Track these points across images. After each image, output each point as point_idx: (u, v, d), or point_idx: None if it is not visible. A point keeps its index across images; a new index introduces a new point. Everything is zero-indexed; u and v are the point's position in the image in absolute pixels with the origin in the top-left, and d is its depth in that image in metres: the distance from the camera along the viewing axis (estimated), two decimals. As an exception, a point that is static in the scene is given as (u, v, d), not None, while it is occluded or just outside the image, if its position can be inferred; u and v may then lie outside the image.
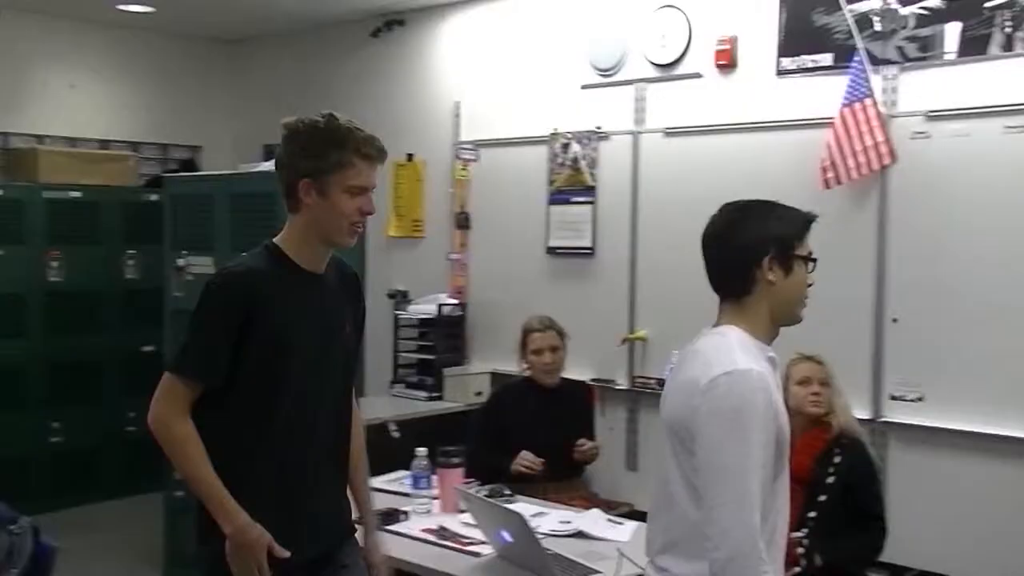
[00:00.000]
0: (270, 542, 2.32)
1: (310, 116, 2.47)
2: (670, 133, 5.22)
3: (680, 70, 5.21)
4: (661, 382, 5.16)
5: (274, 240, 2.49)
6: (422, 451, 3.75)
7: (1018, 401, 4.17)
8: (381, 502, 3.19)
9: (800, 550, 3.48)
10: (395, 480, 3.90)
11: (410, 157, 6.43)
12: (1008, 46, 4.14)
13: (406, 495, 3.69)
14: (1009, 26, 4.10)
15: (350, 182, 2.41)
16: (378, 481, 3.52)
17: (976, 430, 4.25)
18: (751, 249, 2.18)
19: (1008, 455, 4.20)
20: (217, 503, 2.33)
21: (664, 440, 2.20)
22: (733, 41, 4.98)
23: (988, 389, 4.24)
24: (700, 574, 2.03)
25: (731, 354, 2.11)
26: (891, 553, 3.83)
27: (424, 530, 3.36)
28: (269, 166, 3.02)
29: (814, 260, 2.23)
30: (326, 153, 2.40)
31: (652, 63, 5.31)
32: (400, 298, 6.26)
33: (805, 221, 2.23)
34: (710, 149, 5.01)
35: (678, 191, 5.15)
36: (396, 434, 5.16)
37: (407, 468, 3.82)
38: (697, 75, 5.13)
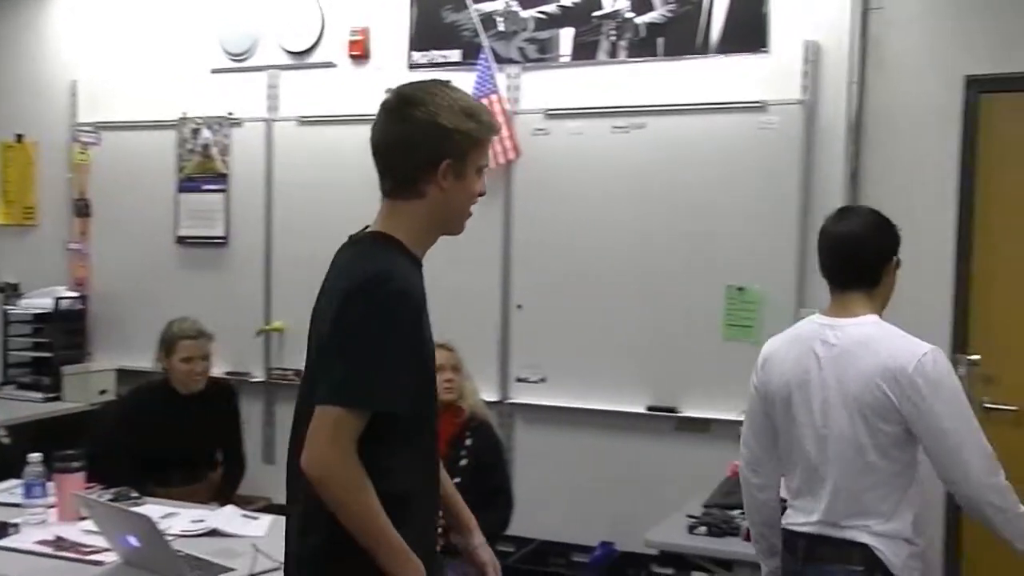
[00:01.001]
0: None
1: (427, 85, 2.06)
2: (304, 122, 5.17)
3: (314, 59, 5.17)
4: (299, 373, 5.08)
5: (385, 232, 2.03)
6: (36, 457, 3.45)
7: (630, 380, 4.55)
8: (-13, 516, 2.89)
9: (439, 531, 3.58)
10: (3, 491, 3.56)
11: (19, 138, 5.88)
12: (613, 53, 4.53)
13: (17, 506, 3.38)
14: (614, 35, 4.49)
15: (481, 160, 2.08)
16: (-17, 493, 3.19)
17: (594, 407, 4.59)
18: (889, 251, 2.66)
19: (622, 429, 4.57)
20: (402, 555, 1.93)
21: (846, 424, 2.51)
22: (366, 32, 5.02)
23: (604, 369, 4.59)
24: (899, 530, 2.51)
25: (907, 337, 2.54)
26: (516, 527, 4.03)
27: (38, 542, 3.09)
28: None
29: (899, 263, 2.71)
30: (467, 129, 2.01)
31: (285, 50, 5.23)
32: (10, 291, 5.70)
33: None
34: (345, 139, 4.99)
35: (313, 180, 5.12)
36: (6, 440, 4.71)
37: (19, 476, 3.49)
38: (331, 64, 5.12)
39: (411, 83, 2.10)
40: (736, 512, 3.14)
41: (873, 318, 2.60)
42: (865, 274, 2.63)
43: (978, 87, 4.03)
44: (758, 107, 4.25)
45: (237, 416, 4.52)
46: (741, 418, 3.64)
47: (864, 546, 2.52)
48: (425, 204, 2.02)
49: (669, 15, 4.41)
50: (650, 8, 4.44)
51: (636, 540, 3.01)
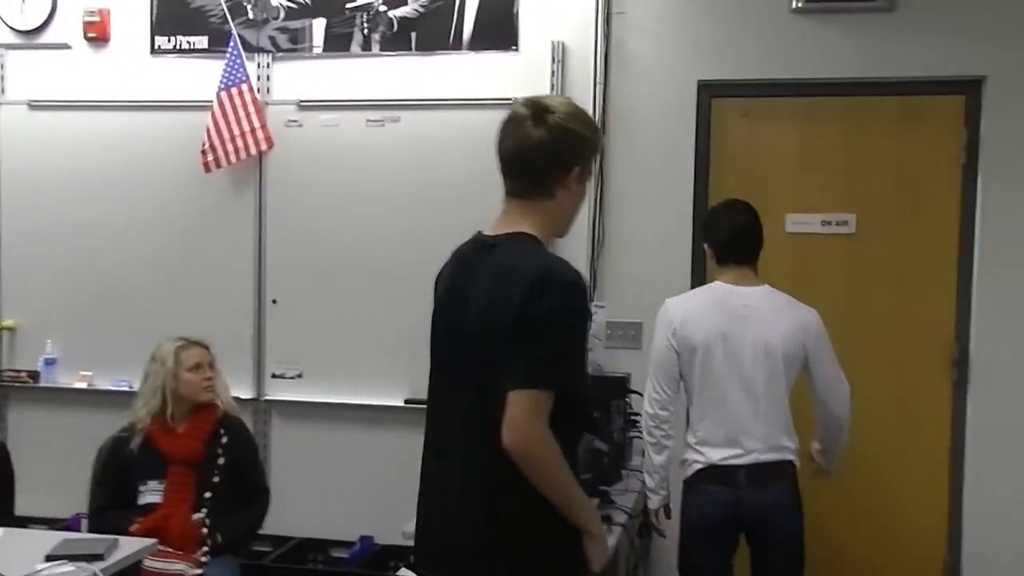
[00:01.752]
0: None
1: (555, 97, 2.27)
2: (35, 106, 4.82)
3: (45, 38, 4.82)
4: (34, 375, 4.78)
5: (524, 231, 2.17)
6: None
7: (388, 373, 4.53)
8: None
9: (204, 531, 3.49)
10: None
11: None
12: (367, 46, 4.50)
13: None
14: (367, 27, 4.45)
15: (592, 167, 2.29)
16: None
17: (352, 402, 4.56)
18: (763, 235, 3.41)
19: (381, 422, 4.56)
20: (591, 510, 2.22)
21: (771, 368, 3.23)
22: (105, 14, 4.74)
23: (362, 363, 4.56)
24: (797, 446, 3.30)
25: (798, 302, 3.36)
26: (274, 525, 3.96)
27: None
28: None
29: None
30: (593, 138, 2.23)
31: (11, 28, 4.84)
32: None
33: None
34: (83, 126, 4.72)
35: (47, 170, 4.78)
36: None
37: None
38: (65, 46, 4.79)
39: (539, 96, 2.33)
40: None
41: (767, 286, 3.36)
42: (757, 252, 3.38)
43: (709, 91, 4.29)
44: (510, 104, 4.19)
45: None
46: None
47: (790, 462, 3.25)
48: (554, 205, 2.19)
49: (421, 10, 4.42)
50: (403, 2, 4.44)
51: (396, 533, 3.02)
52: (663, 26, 4.31)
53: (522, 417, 2.02)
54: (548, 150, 2.15)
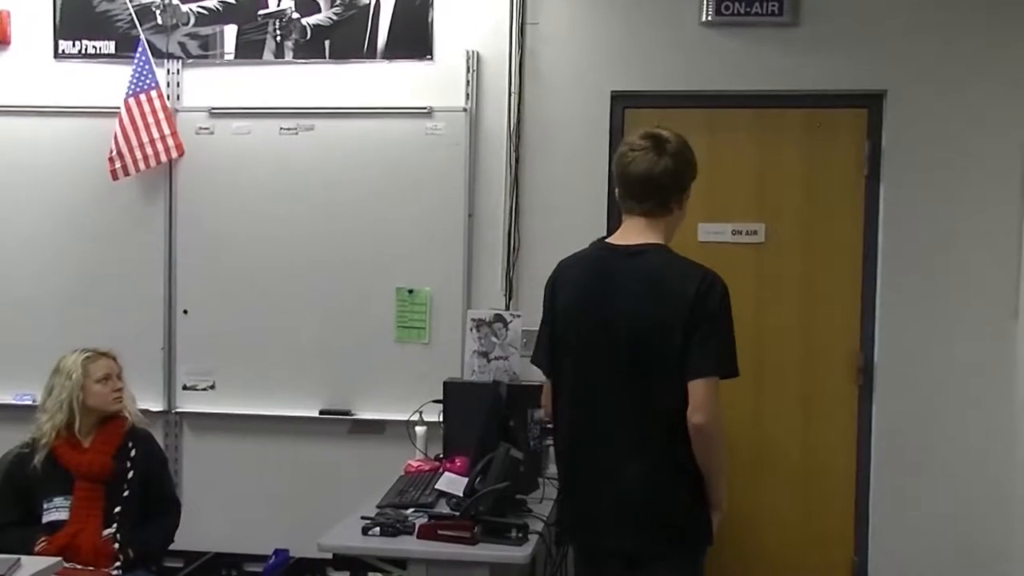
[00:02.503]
0: None
1: (667, 129, 2.64)
2: (-71, 110, 4.64)
3: (-60, 41, 4.64)
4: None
5: (659, 242, 2.57)
6: None
7: (303, 383, 4.48)
8: None
9: (116, 546, 3.39)
10: None
11: None
12: (280, 53, 4.42)
13: None
14: (280, 34, 4.38)
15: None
16: None
17: (266, 413, 4.48)
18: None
19: (296, 433, 4.49)
20: (726, 480, 2.56)
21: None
22: (4, 16, 4.58)
23: (276, 374, 4.49)
24: None
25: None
26: (188, 539, 3.87)
27: None
28: None
29: None
30: (696, 164, 2.64)
31: (-93, 30, 4.65)
32: None
33: None
34: (-17, 131, 4.56)
35: (-56, 177, 4.60)
36: None
37: None
38: (-37, 49, 4.62)
39: (652, 129, 2.64)
40: (409, 511, 3.19)
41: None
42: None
43: (623, 102, 4.32)
44: (425, 113, 4.30)
45: None
46: (415, 418, 3.75)
47: None
48: (672, 219, 2.61)
49: (335, 18, 4.37)
50: (316, 10, 4.39)
51: (311, 545, 2.97)
52: (576, 36, 4.32)
53: (710, 400, 2.43)
54: (671, 176, 2.56)
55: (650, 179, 2.54)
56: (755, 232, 4.25)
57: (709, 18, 4.22)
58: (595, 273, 2.58)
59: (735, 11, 4.19)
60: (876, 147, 4.20)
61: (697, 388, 2.43)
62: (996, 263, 4.08)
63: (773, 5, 4.18)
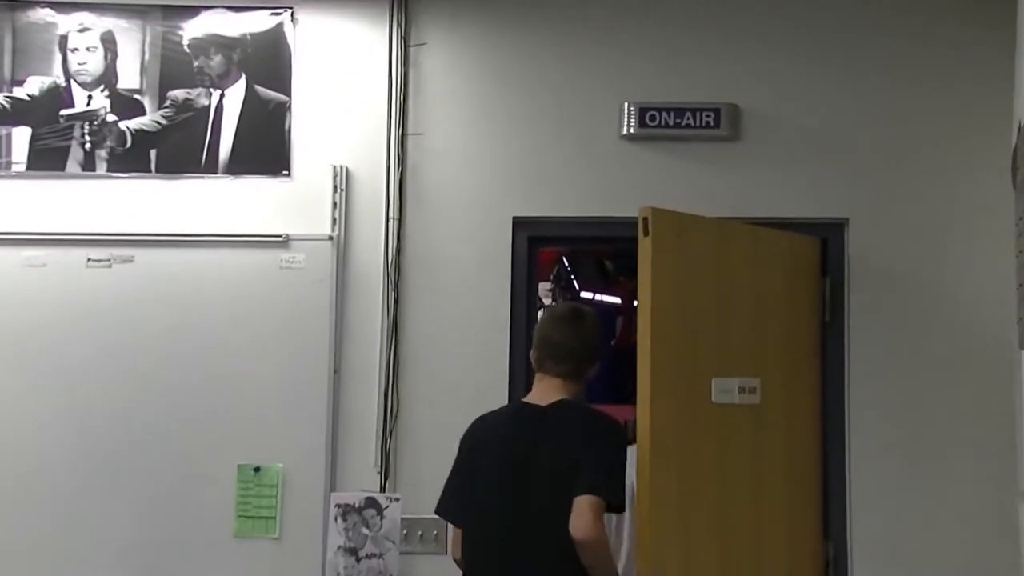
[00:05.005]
0: None
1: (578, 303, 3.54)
2: None
3: None
4: None
5: (568, 399, 2.88)
6: None
7: None
8: None
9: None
10: None
11: None
12: (90, 164, 3.79)
13: None
14: (90, 141, 3.78)
15: None
16: None
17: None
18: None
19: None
20: None
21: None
22: None
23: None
24: None
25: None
26: None
27: None
28: None
29: None
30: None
31: None
32: None
33: None
34: None
35: None
36: None
37: None
38: None
39: (569, 301, 3.14)
40: None
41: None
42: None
43: (528, 230, 3.76)
44: (279, 242, 3.73)
45: None
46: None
47: None
48: (580, 386, 2.93)
49: (164, 122, 3.79)
50: (139, 111, 3.78)
51: None
52: (470, 150, 3.79)
53: (590, 517, 2.63)
54: (588, 347, 2.91)
55: (568, 347, 2.89)
56: (729, 391, 3.45)
57: (631, 131, 3.69)
58: (515, 423, 2.89)
59: (663, 122, 3.67)
60: (837, 285, 3.63)
61: (579, 504, 2.65)
62: (991, 437, 3.43)
63: (708, 116, 3.70)
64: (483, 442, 2.92)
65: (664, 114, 3.64)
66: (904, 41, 3.65)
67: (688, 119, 3.63)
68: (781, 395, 3.45)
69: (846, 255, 3.62)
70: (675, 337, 3.14)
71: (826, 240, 3.63)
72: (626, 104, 3.65)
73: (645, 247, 3.07)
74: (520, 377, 3.64)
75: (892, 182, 3.63)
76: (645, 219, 3.08)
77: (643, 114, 3.63)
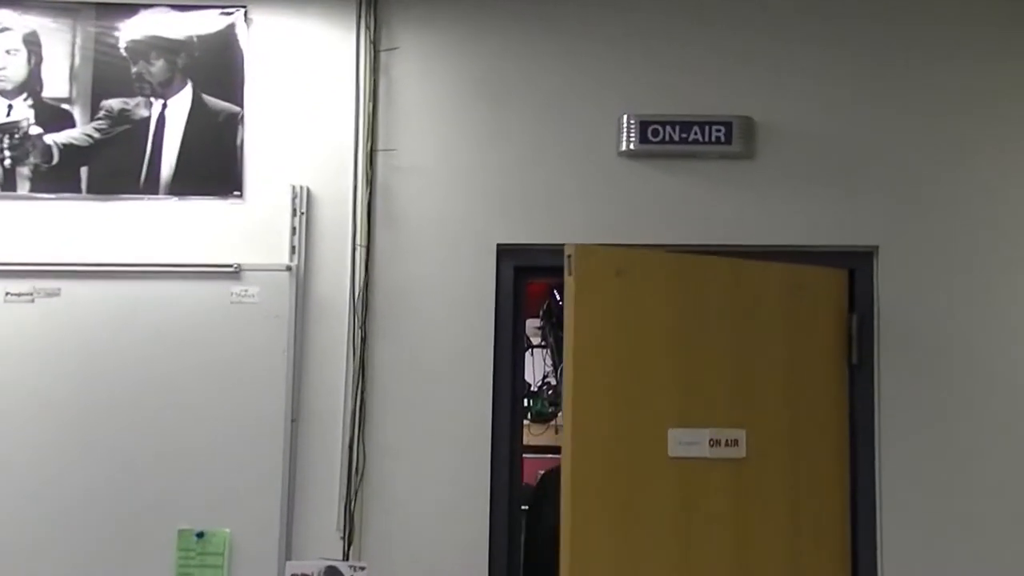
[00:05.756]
0: None
1: None
2: None
3: None
4: None
5: None
6: None
7: None
8: None
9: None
10: None
11: None
12: (9, 183, 3.43)
13: None
14: (10, 157, 3.42)
15: None
16: None
17: None
18: None
19: None
20: None
21: None
22: None
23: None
24: None
25: None
26: None
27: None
28: None
29: None
30: None
31: None
32: None
33: None
34: None
35: None
36: None
37: None
38: None
39: None
40: None
41: None
42: None
43: (514, 259, 3.42)
44: (230, 272, 3.39)
45: None
46: None
47: None
48: None
49: (98, 135, 3.43)
50: (68, 123, 3.42)
51: None
52: (449, 169, 3.43)
53: None
54: None
55: None
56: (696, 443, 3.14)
57: (631, 147, 3.33)
58: None
59: (667, 137, 3.31)
60: (866, 321, 3.25)
61: None
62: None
63: (718, 131, 3.33)
64: None
65: (668, 128, 3.29)
66: (941, 51, 3.32)
67: (696, 134, 3.28)
68: (783, 450, 3.09)
69: (875, 288, 3.24)
70: (612, 385, 2.90)
71: (853, 271, 3.26)
72: (625, 117, 3.29)
73: (569, 288, 2.87)
74: (504, 425, 3.31)
75: (927, 205, 3.27)
76: (569, 256, 2.86)
77: (644, 128, 3.28)
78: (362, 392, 3.30)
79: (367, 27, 3.37)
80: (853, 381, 3.24)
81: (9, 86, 3.35)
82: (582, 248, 2.90)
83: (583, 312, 2.87)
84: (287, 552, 3.27)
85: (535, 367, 5.00)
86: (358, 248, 3.36)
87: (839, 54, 3.31)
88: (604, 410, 2.86)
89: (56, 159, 3.37)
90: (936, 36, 3.32)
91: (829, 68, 3.31)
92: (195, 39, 3.36)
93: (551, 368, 5.05)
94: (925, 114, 3.28)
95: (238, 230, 3.39)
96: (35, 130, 3.37)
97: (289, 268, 3.32)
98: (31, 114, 3.37)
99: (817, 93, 3.29)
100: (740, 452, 3.01)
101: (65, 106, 3.34)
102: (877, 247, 3.25)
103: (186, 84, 3.34)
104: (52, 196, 3.38)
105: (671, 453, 2.93)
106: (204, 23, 3.37)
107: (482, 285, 3.34)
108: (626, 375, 2.92)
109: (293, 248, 3.35)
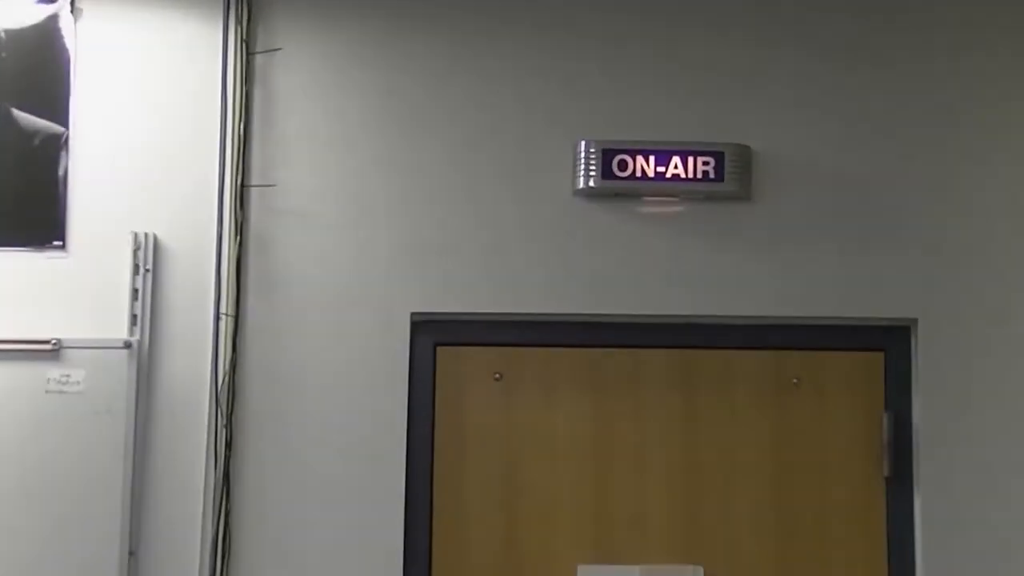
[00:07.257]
0: None
1: None
2: None
3: None
4: None
5: None
6: None
7: None
8: None
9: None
10: None
11: None
12: None
13: None
14: None
15: None
16: None
17: None
18: None
19: None
20: None
21: None
22: None
23: None
24: None
25: None
26: None
27: None
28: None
29: None
30: None
31: None
32: None
33: None
34: None
35: None
36: None
37: None
38: None
39: None
40: None
41: None
42: None
43: (434, 334, 2.81)
44: (46, 351, 2.76)
45: None
46: None
47: None
48: None
49: None
50: None
51: None
52: (348, 214, 2.78)
53: None
54: None
55: None
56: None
57: (590, 183, 2.69)
58: None
59: (638, 171, 2.68)
60: (902, 422, 2.61)
61: None
62: None
63: (706, 163, 2.69)
64: None
65: (640, 159, 2.64)
66: (989, 78, 2.69)
67: (676, 167, 2.63)
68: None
69: (915, 371, 2.57)
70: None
71: (887, 351, 2.59)
72: (582, 144, 2.63)
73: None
74: (422, 550, 2.65)
75: (978, 266, 2.63)
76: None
77: (608, 159, 2.62)
78: (226, 515, 2.63)
79: (237, 20, 2.66)
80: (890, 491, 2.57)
81: None
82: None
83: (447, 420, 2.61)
84: None
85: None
86: (223, 318, 2.69)
87: (862, 70, 2.66)
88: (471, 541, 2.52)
89: None
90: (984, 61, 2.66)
91: (848, 85, 2.65)
92: (2, 36, 2.62)
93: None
94: (977, 150, 2.64)
95: (58, 293, 2.73)
96: None
97: (128, 345, 2.68)
98: None
99: (833, 115, 2.65)
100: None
101: None
102: (915, 319, 2.58)
103: (-11, 96, 2.61)
104: None
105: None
106: (15, 15, 2.67)
107: (391, 368, 2.68)
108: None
109: (134, 318, 2.70)
